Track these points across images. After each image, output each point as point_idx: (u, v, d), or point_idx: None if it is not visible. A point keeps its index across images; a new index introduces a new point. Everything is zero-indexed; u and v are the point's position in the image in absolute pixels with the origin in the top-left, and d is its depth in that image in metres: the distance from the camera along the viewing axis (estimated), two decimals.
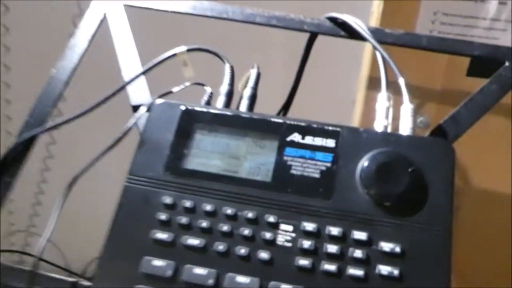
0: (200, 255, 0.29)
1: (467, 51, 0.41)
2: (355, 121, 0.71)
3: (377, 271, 0.28)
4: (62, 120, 0.39)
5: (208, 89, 0.38)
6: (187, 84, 0.39)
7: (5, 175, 0.37)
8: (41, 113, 0.40)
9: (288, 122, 0.33)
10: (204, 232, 0.30)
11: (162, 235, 0.30)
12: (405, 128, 0.34)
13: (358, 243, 0.29)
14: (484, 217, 0.70)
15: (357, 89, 0.73)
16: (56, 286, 0.55)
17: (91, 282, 0.33)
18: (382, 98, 0.36)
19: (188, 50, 0.39)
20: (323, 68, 0.62)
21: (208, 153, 0.32)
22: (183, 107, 0.34)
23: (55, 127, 0.39)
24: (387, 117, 0.35)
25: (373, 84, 0.65)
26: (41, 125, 0.39)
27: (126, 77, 0.40)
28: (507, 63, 0.40)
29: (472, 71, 0.63)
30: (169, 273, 0.29)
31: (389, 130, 0.34)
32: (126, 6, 0.46)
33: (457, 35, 0.62)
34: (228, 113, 0.34)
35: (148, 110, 0.36)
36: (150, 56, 0.40)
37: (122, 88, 0.39)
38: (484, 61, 0.41)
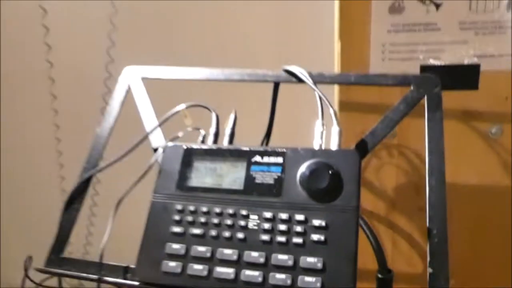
0: (201, 239, 0.46)
1: (383, 82, 0.57)
2: None
3: (311, 238, 0.44)
4: (108, 163, 0.57)
5: (202, 132, 0.56)
6: (188, 129, 0.57)
7: (75, 203, 0.55)
8: (93, 160, 0.59)
9: (251, 149, 0.50)
10: (202, 224, 0.47)
11: (176, 229, 0.47)
12: (334, 144, 0.51)
13: (299, 222, 0.45)
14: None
15: None
16: None
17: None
18: (318, 125, 0.52)
19: (187, 107, 0.58)
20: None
21: (203, 175, 0.50)
22: (184, 147, 0.52)
23: (104, 168, 0.58)
24: (321, 138, 0.52)
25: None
26: (94, 168, 0.58)
27: (148, 129, 0.59)
28: (412, 87, 0.56)
29: None
30: (182, 251, 0.46)
31: (322, 147, 0.51)
32: (143, 78, 0.65)
33: (403, 59, 0.78)
34: (213, 147, 0.52)
35: (163, 150, 0.54)
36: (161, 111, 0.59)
37: (146, 136, 0.57)
38: None
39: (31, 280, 0.51)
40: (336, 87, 0.81)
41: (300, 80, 0.58)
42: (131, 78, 0.64)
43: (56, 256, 0.53)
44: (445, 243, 0.45)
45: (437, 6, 0.77)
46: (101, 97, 1.01)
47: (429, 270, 0.44)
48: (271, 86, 0.65)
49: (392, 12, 0.78)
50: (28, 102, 1.04)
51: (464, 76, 0.78)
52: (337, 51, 0.80)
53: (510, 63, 0.78)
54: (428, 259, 0.44)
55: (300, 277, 0.43)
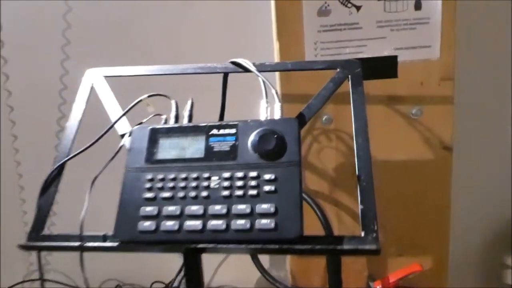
0: (170, 201, 0.54)
1: (315, 66, 0.69)
2: None
3: (264, 190, 0.53)
4: (78, 151, 0.64)
5: (164, 117, 0.64)
6: (151, 116, 0.65)
7: (51, 187, 0.61)
8: (64, 149, 0.65)
9: (208, 124, 0.59)
10: (171, 189, 0.55)
11: (148, 195, 0.55)
12: (277, 115, 0.61)
13: (253, 178, 0.54)
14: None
15: None
16: None
17: None
18: (263, 102, 0.62)
19: (148, 96, 0.66)
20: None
21: (167, 149, 0.58)
22: (149, 127, 0.60)
23: (74, 156, 0.64)
24: (266, 112, 0.61)
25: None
26: (65, 157, 0.64)
27: (113, 119, 0.66)
28: (338, 69, 0.67)
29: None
30: (155, 212, 0.53)
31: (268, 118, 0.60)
32: (105, 76, 0.72)
33: (333, 54, 0.91)
34: (175, 126, 0.60)
35: (130, 135, 0.62)
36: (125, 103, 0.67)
37: (113, 125, 0.64)
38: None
39: None
40: (277, 82, 0.92)
41: (246, 70, 0.68)
42: (94, 77, 0.72)
43: (37, 233, 0.58)
44: (371, 185, 0.55)
45: (358, 8, 0.90)
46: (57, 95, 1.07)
47: (360, 206, 0.54)
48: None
49: (320, 15, 0.90)
50: None
51: (385, 67, 0.92)
52: (276, 50, 0.92)
53: (421, 53, 0.92)
54: (359, 198, 0.55)
55: (257, 221, 0.52)
